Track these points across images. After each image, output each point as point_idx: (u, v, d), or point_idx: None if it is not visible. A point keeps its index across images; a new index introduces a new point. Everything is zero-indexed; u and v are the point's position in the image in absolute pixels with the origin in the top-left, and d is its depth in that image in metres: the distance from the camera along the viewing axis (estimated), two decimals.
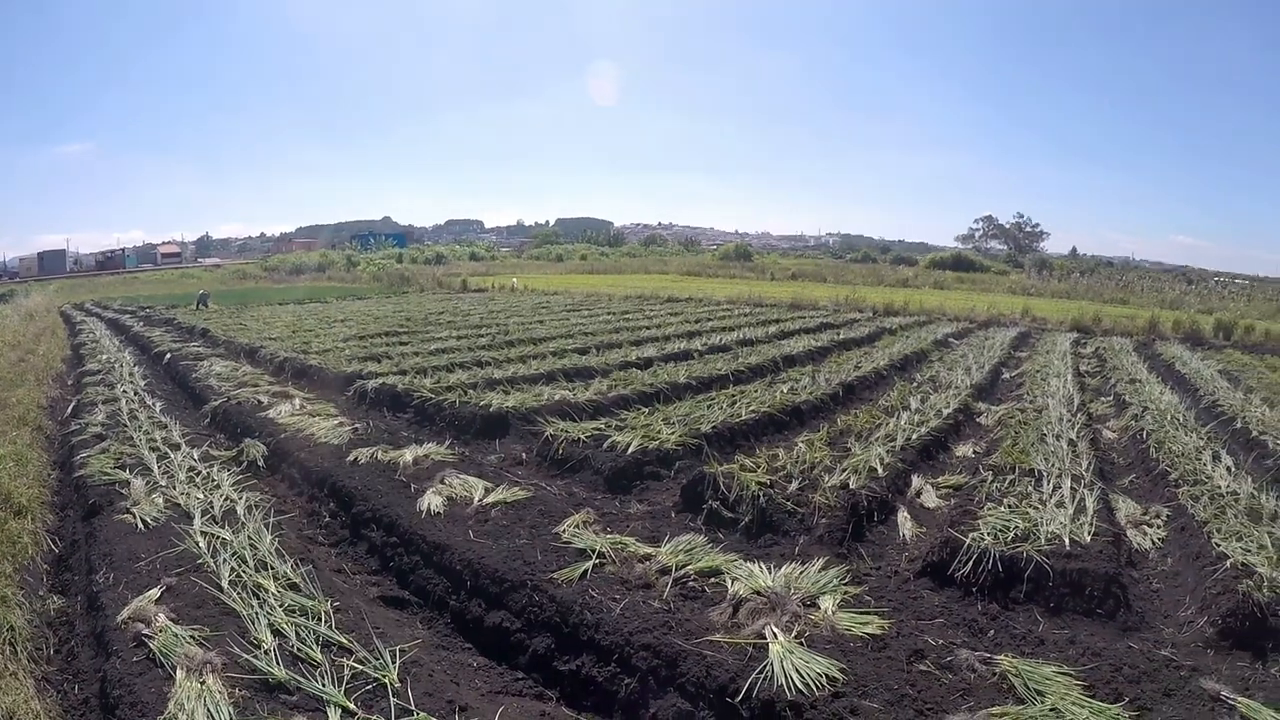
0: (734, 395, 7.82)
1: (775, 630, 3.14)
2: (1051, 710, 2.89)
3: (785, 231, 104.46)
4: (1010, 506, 4.70)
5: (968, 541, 4.09)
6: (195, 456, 5.73)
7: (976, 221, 65.88)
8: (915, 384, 9.40)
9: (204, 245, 71.46)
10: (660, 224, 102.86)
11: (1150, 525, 5.43)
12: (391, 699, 2.67)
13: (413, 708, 2.63)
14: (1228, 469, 6.29)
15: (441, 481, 4.92)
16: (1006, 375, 11.13)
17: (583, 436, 5.92)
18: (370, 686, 2.76)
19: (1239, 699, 2.99)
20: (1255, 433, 7.18)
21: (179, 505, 4.54)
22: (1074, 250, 63.12)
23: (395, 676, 2.80)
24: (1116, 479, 6.32)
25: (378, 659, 2.90)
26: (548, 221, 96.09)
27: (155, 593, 3.35)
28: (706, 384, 8.60)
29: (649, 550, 3.95)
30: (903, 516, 4.97)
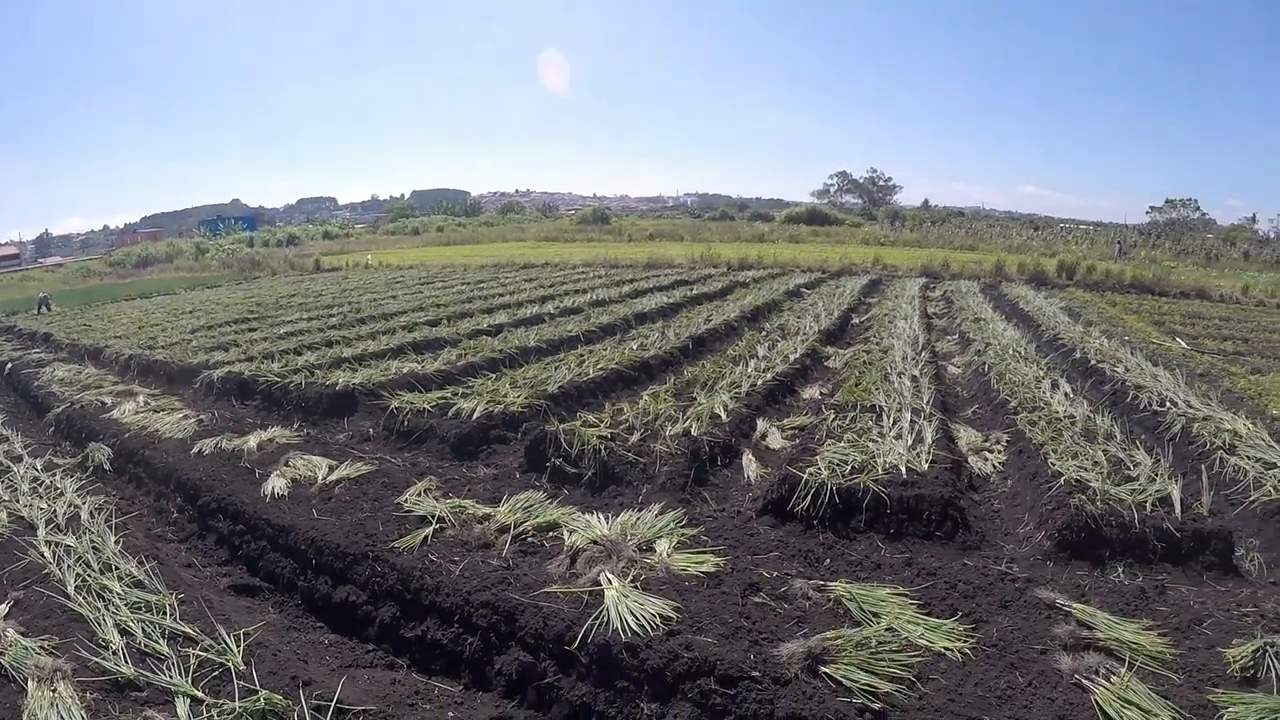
0: (583, 355, 12.91)
1: (610, 577, 5.26)
2: (887, 630, 4.86)
3: (644, 194, 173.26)
4: (850, 442, 7.93)
5: (805, 477, 6.91)
6: (38, 467, 9.42)
7: (831, 177, 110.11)
8: (764, 333, 15.69)
9: (44, 244, 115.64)
10: (518, 191, 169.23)
11: (991, 451, 9.01)
12: (236, 682, 4.57)
13: (257, 687, 4.48)
14: (1066, 395, 10.65)
15: (286, 464, 8.07)
16: (856, 320, 19.11)
17: (428, 407, 9.64)
18: (217, 673, 4.70)
19: (1074, 605, 5.32)
20: (1094, 361, 13.05)
21: (22, 518, 7.51)
22: (926, 202, 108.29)
23: (240, 660, 4.80)
24: (959, 410, 10.94)
25: (223, 646, 4.90)
26: (403, 194, 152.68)
27: (3, 608, 5.55)
28: (556, 346, 14.31)
29: (488, 510, 6.66)
30: (747, 459, 8.34)
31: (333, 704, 4.42)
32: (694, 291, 23.81)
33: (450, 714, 4.89)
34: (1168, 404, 10.11)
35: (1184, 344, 16.52)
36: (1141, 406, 10.39)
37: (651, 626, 4.74)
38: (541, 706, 4.93)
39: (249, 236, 75.79)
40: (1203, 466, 7.91)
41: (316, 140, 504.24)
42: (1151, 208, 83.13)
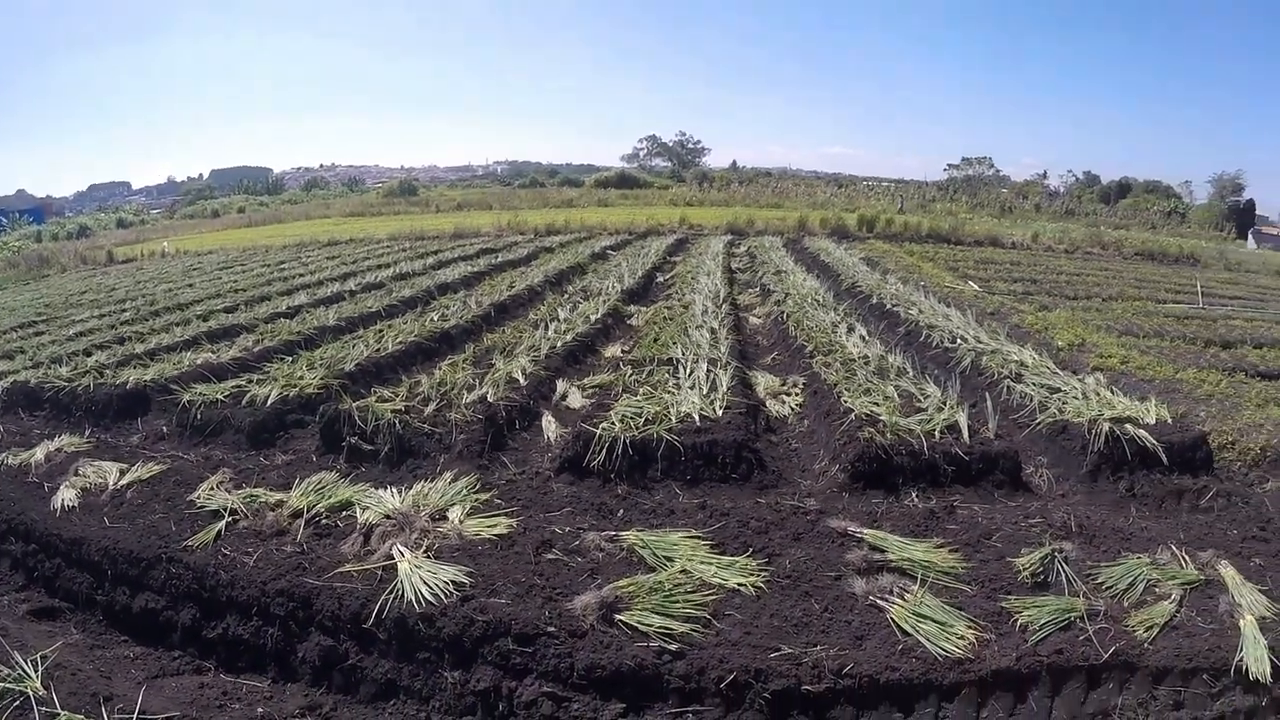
0: (382, 330, 13.07)
1: (403, 549, 5.44)
2: (681, 573, 5.15)
3: (453, 163, 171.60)
4: (645, 395, 8.29)
5: (599, 432, 7.18)
6: None
7: (641, 141, 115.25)
8: (567, 296, 16.54)
9: None
10: (323, 166, 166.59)
11: (789, 395, 9.60)
12: (36, 708, 4.40)
13: (58, 710, 4.37)
14: (861, 338, 11.40)
15: (76, 473, 7.70)
16: (660, 279, 20.21)
17: (221, 397, 9.38)
18: (18, 702, 4.49)
19: (865, 531, 5.78)
20: (889, 305, 14.29)
21: None
22: (734, 163, 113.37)
23: (39, 685, 4.58)
24: (759, 359, 11.61)
25: (19, 673, 4.66)
26: (201, 175, 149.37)
27: None
28: (356, 323, 14.39)
29: (281, 497, 6.64)
30: (547, 420, 8.69)
31: (134, 717, 4.40)
32: (499, 259, 24.45)
33: (260, 710, 4.83)
34: (958, 340, 11.07)
35: (976, 286, 18.12)
36: (934, 344, 11.30)
37: (445, 594, 4.87)
38: (349, 689, 4.98)
39: (36, 230, 70.05)
40: (988, 394, 8.67)
41: (105, 119, 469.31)
42: (949, 165, 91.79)
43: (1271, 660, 4.76)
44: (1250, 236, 64.78)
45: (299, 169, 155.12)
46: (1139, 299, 18.70)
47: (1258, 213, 79.71)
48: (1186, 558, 5.55)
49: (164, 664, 5.48)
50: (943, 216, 40.01)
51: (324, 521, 6.15)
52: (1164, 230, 52.15)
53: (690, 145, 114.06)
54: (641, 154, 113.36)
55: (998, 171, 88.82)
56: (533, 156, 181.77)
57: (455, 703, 4.59)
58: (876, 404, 7.92)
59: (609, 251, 26.27)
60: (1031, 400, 8.34)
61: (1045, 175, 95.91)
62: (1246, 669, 4.67)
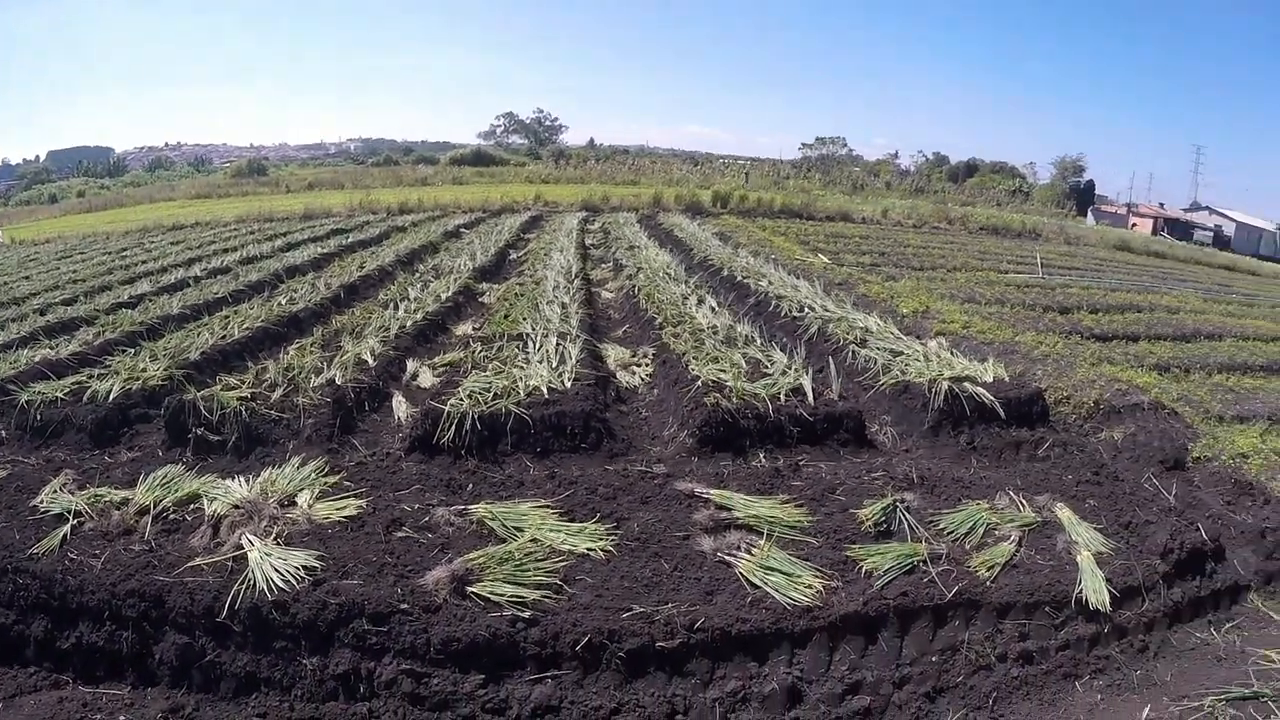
0: (228, 317, 12.72)
1: (252, 538, 5.37)
2: (531, 541, 5.25)
3: (305, 141, 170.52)
4: (495, 370, 8.38)
5: (447, 409, 7.20)
6: None
7: (498, 118, 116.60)
8: (419, 275, 16.37)
9: None
10: (168, 145, 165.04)
11: (640, 365, 9.81)
12: None
13: None
14: (711, 309, 11.65)
15: None
16: (514, 256, 20.40)
17: (61, 395, 8.89)
18: None
19: (712, 492, 5.98)
20: (740, 278, 14.79)
21: None
22: (591, 141, 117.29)
23: None
24: (611, 331, 11.88)
25: None
26: (38, 157, 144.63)
27: None
28: (202, 310, 13.93)
29: (127, 494, 6.38)
30: (397, 400, 8.67)
31: None
32: (350, 240, 24.23)
33: (122, 718, 4.65)
34: (806, 310, 11.47)
35: (825, 259, 18.72)
36: (782, 314, 11.67)
37: (297, 580, 4.81)
38: (209, 687, 4.82)
39: None
40: (832, 359, 9.17)
41: None
42: (804, 144, 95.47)
43: (1110, 590, 5.23)
44: (1090, 214, 70.20)
45: (143, 148, 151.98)
46: (982, 269, 19.83)
47: (1098, 192, 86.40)
48: (1024, 502, 5.97)
49: (20, 682, 5.14)
50: (795, 193, 41.25)
51: (172, 516, 5.93)
52: (1008, 208, 55.27)
53: (548, 123, 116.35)
54: (498, 131, 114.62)
55: (851, 151, 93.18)
56: (388, 134, 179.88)
57: (316, 689, 4.52)
58: (723, 371, 8.16)
59: (462, 230, 26.40)
60: (875, 363, 8.80)
61: (897, 155, 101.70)
62: (1086, 600, 5.12)
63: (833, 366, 8.54)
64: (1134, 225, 70.41)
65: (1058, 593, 5.14)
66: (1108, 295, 18.03)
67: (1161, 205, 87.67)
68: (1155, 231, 68.79)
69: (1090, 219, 65.64)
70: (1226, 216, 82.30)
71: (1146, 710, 4.74)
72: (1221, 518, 7.04)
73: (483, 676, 4.29)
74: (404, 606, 4.55)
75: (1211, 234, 76.18)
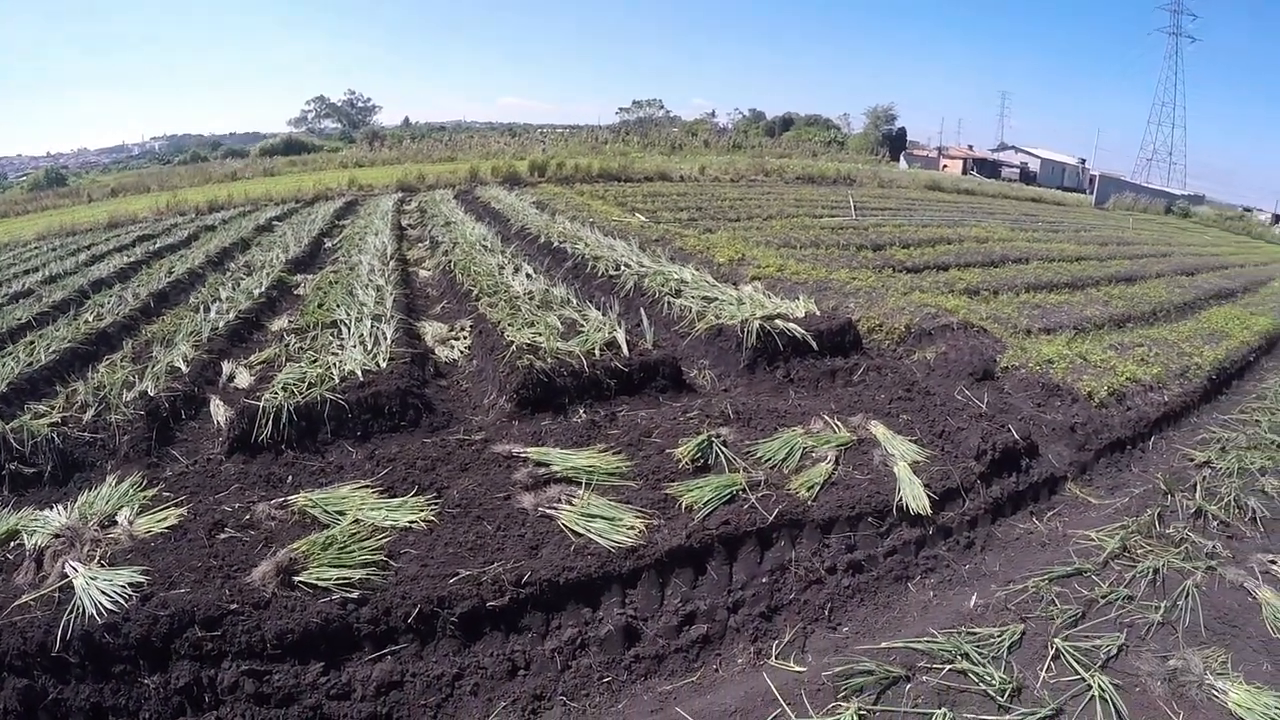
0: (33, 341, 11.83)
1: (76, 565, 5.10)
2: (353, 523, 5.19)
3: (106, 144, 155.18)
4: (310, 360, 8.27)
5: (262, 405, 7.08)
6: None
7: (309, 103, 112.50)
8: (230, 274, 15.83)
9: None
10: None
11: (458, 339, 9.78)
12: None
13: None
14: (527, 276, 11.63)
15: None
16: (329, 244, 19.92)
17: None
18: None
19: (529, 450, 6.02)
20: (557, 243, 14.95)
21: None
22: (406, 120, 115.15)
23: None
24: (429, 309, 11.82)
25: None
26: None
27: None
28: (4, 339, 12.63)
29: None
30: (215, 404, 8.31)
31: None
32: (158, 245, 22.68)
33: None
34: (622, 267, 11.62)
35: (643, 218, 18.97)
36: (599, 273, 11.83)
37: (125, 598, 4.59)
38: None
39: None
40: (644, 311, 9.30)
41: None
42: (621, 108, 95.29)
43: (929, 495, 5.55)
44: (903, 158, 73.77)
45: None
46: (798, 216, 20.55)
47: (910, 138, 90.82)
48: (839, 424, 6.21)
49: None
50: (613, 157, 41.82)
51: None
52: (824, 158, 57.36)
53: (360, 104, 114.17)
54: (310, 117, 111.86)
55: (668, 112, 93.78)
56: (194, 129, 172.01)
57: (162, 708, 4.33)
58: (539, 334, 8.23)
59: (275, 223, 25.39)
60: (691, 311, 9.04)
61: (714, 114, 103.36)
62: (907, 506, 5.43)
63: (645, 318, 8.67)
64: (945, 167, 74.50)
65: (879, 503, 5.40)
66: (919, 231, 18.95)
67: (970, 147, 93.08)
68: (965, 171, 73.12)
69: (903, 163, 69.00)
70: (1032, 154, 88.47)
71: (974, 598, 5.04)
72: (1033, 418, 7.55)
73: (323, 664, 4.25)
74: (234, 607, 4.42)
75: (1018, 170, 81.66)
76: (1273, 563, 5.73)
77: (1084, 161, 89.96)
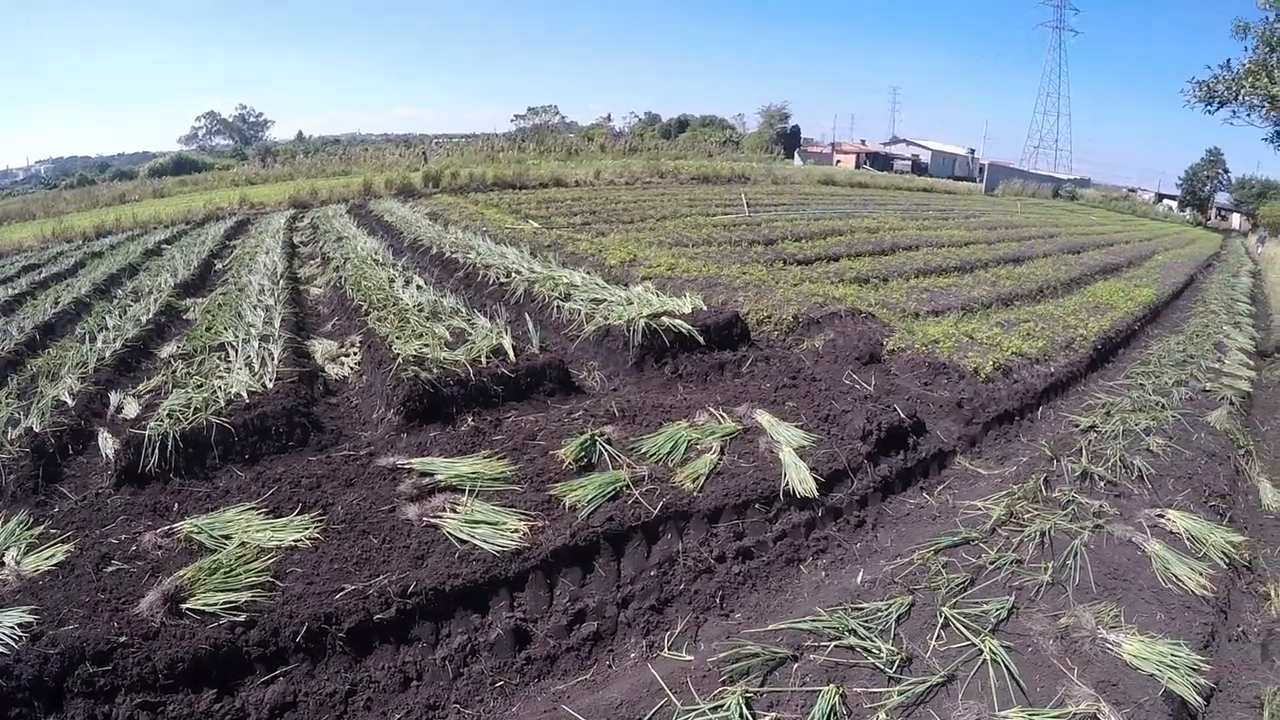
0: None
1: None
2: (239, 546, 5.07)
3: None
4: (196, 385, 8.07)
5: (146, 433, 6.89)
6: None
7: (199, 119, 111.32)
8: (117, 301, 15.44)
9: None
10: None
11: (348, 355, 9.68)
12: None
13: None
14: (418, 288, 11.49)
15: None
16: (219, 265, 19.59)
17: None
18: None
19: (414, 461, 5.96)
20: (449, 253, 14.78)
21: None
22: (300, 134, 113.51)
23: None
24: (320, 327, 11.68)
25: None
26: None
27: None
28: None
29: None
30: (104, 438, 8.06)
31: None
32: (44, 274, 22.13)
33: None
34: (513, 274, 11.60)
35: (535, 224, 19.06)
36: (490, 282, 11.79)
37: (15, 640, 4.43)
38: None
39: None
40: (528, 315, 9.29)
41: None
42: (516, 115, 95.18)
43: (815, 478, 5.62)
44: (797, 155, 75.27)
45: None
46: (691, 216, 20.84)
47: (804, 135, 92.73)
48: (724, 415, 6.25)
49: None
50: (508, 165, 41.97)
51: None
52: (720, 158, 58.07)
53: (252, 119, 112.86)
54: (201, 134, 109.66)
55: (564, 118, 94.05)
56: (82, 150, 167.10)
57: None
58: (427, 345, 8.17)
59: (164, 246, 24.46)
60: (580, 314, 9.05)
61: (609, 118, 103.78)
62: (794, 490, 5.48)
63: (530, 322, 8.64)
64: (838, 162, 76.51)
65: (766, 489, 5.45)
66: (811, 224, 19.34)
67: (863, 142, 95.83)
68: (858, 165, 75.19)
69: (798, 160, 70.49)
70: (923, 146, 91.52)
71: (861, 574, 5.12)
72: (920, 397, 7.72)
73: (215, 691, 4.15)
74: (123, 639, 4.29)
75: (910, 162, 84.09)
76: (1160, 516, 5.98)
77: (974, 151, 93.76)
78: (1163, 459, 7.10)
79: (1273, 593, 5.55)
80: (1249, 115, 11.49)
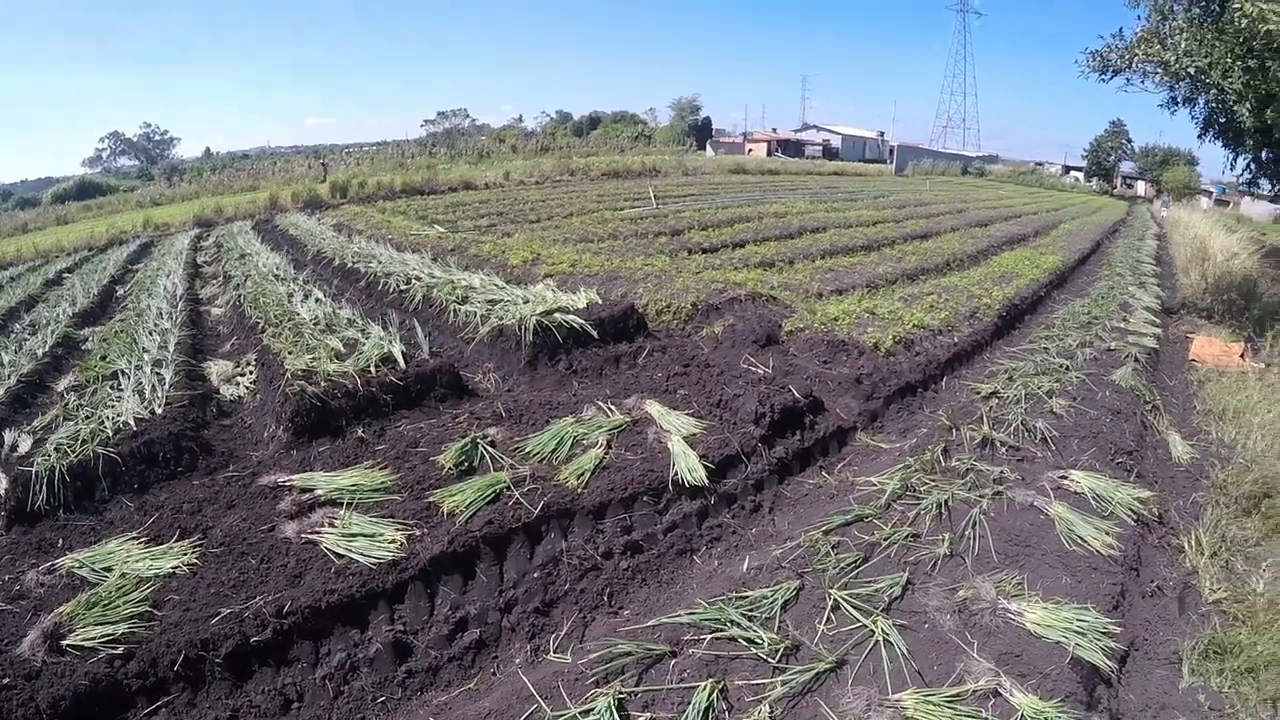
0: None
1: None
2: (120, 578, 4.90)
3: None
4: (86, 416, 7.84)
5: (34, 469, 6.69)
6: None
7: (103, 140, 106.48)
8: (13, 335, 15.00)
9: None
10: None
11: (244, 375, 9.42)
12: None
13: None
14: (317, 300, 11.20)
15: None
16: (121, 291, 19.02)
17: None
18: None
19: (294, 478, 5.79)
20: (351, 264, 14.58)
21: None
22: (208, 150, 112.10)
23: None
24: (218, 348, 11.40)
25: None
26: None
27: None
28: None
29: None
30: None
31: None
32: None
33: None
34: (412, 281, 11.43)
35: (440, 229, 18.84)
36: (391, 290, 11.63)
37: None
38: None
39: None
40: (417, 321, 9.26)
41: None
42: (426, 120, 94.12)
43: (705, 465, 5.53)
44: (709, 147, 76.08)
45: None
46: (598, 211, 20.77)
47: (716, 127, 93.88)
48: (613, 408, 6.16)
49: None
50: (417, 171, 41.78)
51: None
52: (632, 153, 58.01)
53: (158, 137, 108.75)
54: (105, 155, 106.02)
55: (475, 121, 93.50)
56: None
57: None
58: (317, 359, 8.00)
59: (65, 274, 23.69)
60: (476, 316, 8.93)
61: (521, 118, 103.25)
62: (684, 479, 5.39)
63: (419, 328, 8.59)
64: (750, 151, 77.26)
65: (654, 480, 5.36)
66: (719, 213, 19.42)
67: (775, 130, 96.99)
68: (770, 153, 76.03)
69: (710, 151, 71.08)
70: (834, 131, 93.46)
71: (747, 561, 5.04)
72: (820, 375, 7.70)
73: None
74: (5, 681, 4.16)
75: (821, 148, 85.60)
76: (1064, 478, 6.01)
77: (884, 134, 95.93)
78: (1066, 420, 7.17)
79: (1186, 545, 5.62)
80: (1143, 82, 11.73)
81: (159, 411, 7.42)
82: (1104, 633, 4.19)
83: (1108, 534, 5.19)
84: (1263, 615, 4.86)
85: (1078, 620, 4.23)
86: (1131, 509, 5.64)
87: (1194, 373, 10.05)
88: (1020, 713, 3.65)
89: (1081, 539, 5.14)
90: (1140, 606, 4.92)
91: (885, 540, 5.11)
